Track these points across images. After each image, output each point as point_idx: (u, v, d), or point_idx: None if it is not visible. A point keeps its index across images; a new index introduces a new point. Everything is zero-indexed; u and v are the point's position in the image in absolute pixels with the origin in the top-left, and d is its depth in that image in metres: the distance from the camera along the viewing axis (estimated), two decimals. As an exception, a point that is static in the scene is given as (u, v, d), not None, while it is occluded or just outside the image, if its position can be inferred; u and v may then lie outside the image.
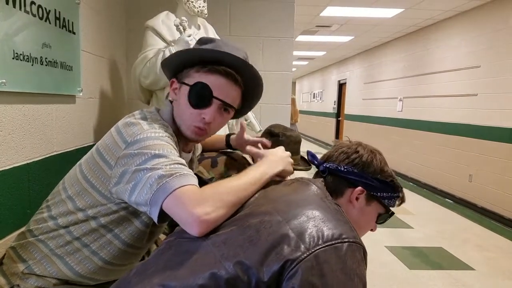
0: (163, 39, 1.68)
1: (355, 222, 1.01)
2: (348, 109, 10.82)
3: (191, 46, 1.67)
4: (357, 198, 1.03)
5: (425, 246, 4.04)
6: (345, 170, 1.01)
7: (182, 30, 1.67)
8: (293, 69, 14.65)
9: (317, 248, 0.77)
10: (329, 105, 12.59)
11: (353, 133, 10.27)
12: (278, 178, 1.08)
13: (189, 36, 1.64)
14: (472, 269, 3.48)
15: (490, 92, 5.07)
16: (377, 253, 3.79)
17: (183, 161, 0.96)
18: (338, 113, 11.75)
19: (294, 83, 19.86)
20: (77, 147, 1.69)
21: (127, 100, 2.27)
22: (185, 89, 1.05)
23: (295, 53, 10.16)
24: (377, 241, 4.10)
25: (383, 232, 4.45)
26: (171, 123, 1.07)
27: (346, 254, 0.79)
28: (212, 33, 1.87)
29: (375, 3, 5.30)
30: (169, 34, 1.69)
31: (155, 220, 0.91)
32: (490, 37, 5.10)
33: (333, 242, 0.79)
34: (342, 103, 11.49)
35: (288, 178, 1.12)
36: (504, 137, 4.79)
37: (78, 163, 1.09)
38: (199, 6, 1.73)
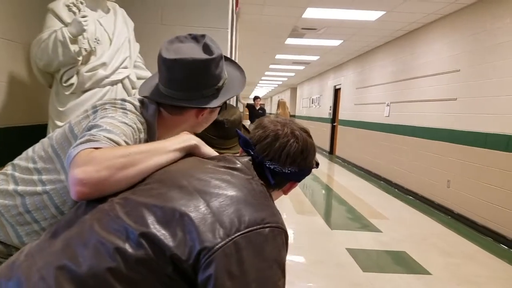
0: (62, 22, 1.69)
1: (275, 199, 1.01)
2: (342, 115, 10.76)
3: (85, 28, 1.67)
4: (289, 188, 1.04)
5: (388, 250, 3.97)
6: (289, 172, 0.97)
7: (77, 11, 1.68)
8: (292, 74, 14.63)
9: (238, 234, 0.74)
10: (326, 111, 12.54)
11: (346, 138, 10.21)
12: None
13: (83, 17, 1.65)
14: (429, 273, 3.40)
15: (468, 96, 4.98)
16: (335, 255, 3.73)
17: (121, 141, 0.91)
18: (334, 119, 11.69)
19: (295, 89, 19.81)
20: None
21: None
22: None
23: (289, 56, 10.16)
24: (338, 243, 4.04)
25: (347, 234, 4.39)
26: (152, 120, 1.07)
27: (267, 240, 0.77)
28: (121, 17, 1.88)
29: (353, 5, 5.27)
30: (69, 16, 1.70)
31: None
32: (469, 41, 5.02)
33: (255, 227, 0.76)
34: (337, 108, 11.42)
35: None
36: (479, 142, 4.70)
37: (48, 138, 1.07)
38: (104, -11, 1.74)
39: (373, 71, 8.46)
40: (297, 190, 6.78)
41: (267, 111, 22.55)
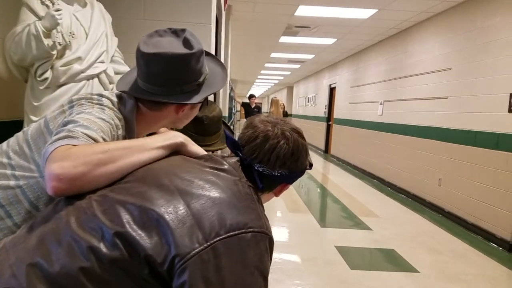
0: (36, 15, 1.67)
1: (265, 201, 0.99)
2: (337, 113, 10.75)
3: (59, 21, 1.65)
4: (280, 190, 1.01)
5: (377, 247, 3.96)
6: (279, 174, 0.93)
7: (51, 5, 1.66)
8: (287, 73, 14.62)
9: (217, 239, 0.71)
10: (321, 109, 12.53)
11: (341, 137, 10.20)
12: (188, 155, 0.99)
13: (57, 10, 1.63)
14: (417, 271, 3.39)
15: (460, 94, 4.98)
16: (324, 252, 3.72)
17: (99, 138, 0.89)
18: (329, 117, 11.68)
19: (291, 88, 19.80)
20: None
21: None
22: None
23: (284, 55, 10.14)
24: (327, 241, 4.04)
25: (337, 232, 4.38)
26: (130, 117, 1.05)
27: (249, 245, 0.74)
28: (98, 12, 1.86)
29: (346, 3, 5.26)
30: (44, 10, 1.68)
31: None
32: (460, 39, 5.02)
33: (236, 232, 0.73)
34: (332, 107, 11.42)
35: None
36: (470, 141, 4.69)
37: (23, 132, 1.05)
38: (79, -17, 1.73)
39: (367, 70, 8.46)
40: (290, 188, 6.74)
41: (264, 109, 22.52)
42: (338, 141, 10.55)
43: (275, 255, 3.64)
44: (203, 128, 1.95)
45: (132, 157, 0.85)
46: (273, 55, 10.17)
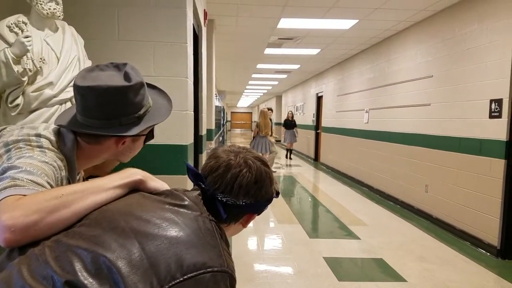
0: (7, 42, 1.66)
1: (233, 233, 0.98)
2: (324, 122, 10.82)
3: (28, 48, 1.65)
4: (247, 220, 0.99)
5: (365, 257, 3.95)
6: (244, 204, 0.91)
7: (20, 31, 1.66)
8: (275, 83, 14.70)
9: (173, 283, 0.69)
10: (310, 118, 12.60)
11: (329, 145, 10.25)
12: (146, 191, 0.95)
13: (26, 37, 1.62)
14: (405, 280, 3.39)
15: (441, 101, 5.05)
16: (312, 264, 3.70)
17: (44, 183, 0.87)
18: (317, 126, 11.74)
19: (280, 97, 19.90)
20: None
21: None
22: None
23: (270, 66, 10.21)
24: (316, 252, 4.02)
25: (325, 243, 4.37)
26: (71, 155, 1.03)
27: (207, 287, 0.72)
28: (70, 35, 1.85)
29: (327, 15, 5.33)
30: (14, 36, 1.67)
31: None
32: (440, 47, 5.10)
33: (194, 273, 0.71)
34: (320, 115, 11.49)
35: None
36: (454, 147, 4.74)
37: None
38: (49, 8, 1.71)
39: (352, 79, 8.54)
40: (280, 199, 6.77)
41: (254, 118, 22.43)
42: (327, 149, 10.60)
43: (263, 268, 3.62)
44: None
45: (87, 200, 0.83)
46: (260, 66, 10.24)
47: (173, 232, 0.76)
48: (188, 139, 2.65)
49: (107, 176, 0.92)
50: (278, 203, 6.37)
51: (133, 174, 0.92)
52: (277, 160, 12.63)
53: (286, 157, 12.61)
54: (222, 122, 15.24)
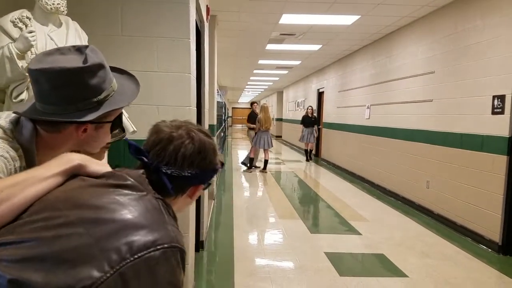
0: (11, 37, 1.66)
1: (182, 207, 0.96)
2: (325, 117, 10.81)
3: (32, 43, 1.65)
4: (194, 192, 0.97)
5: (366, 253, 3.97)
6: (189, 174, 0.90)
7: (24, 27, 1.66)
8: (276, 78, 14.68)
9: (123, 264, 0.69)
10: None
11: (330, 141, 10.25)
12: (86, 177, 0.91)
13: (30, 32, 1.63)
14: (406, 276, 3.41)
15: (443, 97, 5.04)
16: (313, 259, 3.72)
17: None
18: (318, 121, 11.73)
19: (281, 93, 19.88)
20: None
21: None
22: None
23: (272, 61, 10.19)
24: (317, 247, 4.04)
25: (327, 238, 4.39)
26: (28, 144, 0.97)
27: (158, 263, 0.72)
28: (73, 31, 1.85)
29: (329, 10, 5.31)
30: (18, 32, 1.67)
31: None
32: (442, 43, 5.08)
33: (144, 252, 0.71)
34: (321, 111, 11.48)
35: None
36: (456, 143, 4.74)
37: None
38: (53, 3, 1.71)
39: (353, 74, 8.53)
40: (281, 194, 6.79)
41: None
42: (328, 145, 10.60)
43: (264, 263, 3.64)
44: None
45: (25, 192, 0.79)
46: (261, 61, 10.22)
47: (119, 214, 0.75)
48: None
49: (43, 164, 0.87)
50: (279, 198, 6.39)
51: (71, 160, 0.87)
52: (278, 155, 12.63)
53: (307, 161, 11.10)
54: (223, 118, 15.24)
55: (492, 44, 4.16)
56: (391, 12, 5.38)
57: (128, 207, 0.77)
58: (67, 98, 0.94)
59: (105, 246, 0.70)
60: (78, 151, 0.96)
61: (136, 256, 0.70)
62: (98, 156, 1.31)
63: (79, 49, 0.98)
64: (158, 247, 0.73)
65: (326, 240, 4.31)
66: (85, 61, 0.94)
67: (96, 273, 0.67)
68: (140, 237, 0.72)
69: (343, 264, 3.65)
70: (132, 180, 0.84)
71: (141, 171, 0.89)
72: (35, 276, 0.68)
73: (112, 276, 0.68)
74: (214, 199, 5.90)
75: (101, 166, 0.91)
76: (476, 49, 4.41)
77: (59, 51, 0.98)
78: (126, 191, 0.81)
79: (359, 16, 5.60)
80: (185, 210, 1.00)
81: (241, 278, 3.30)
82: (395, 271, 3.51)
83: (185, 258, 0.78)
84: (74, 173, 0.88)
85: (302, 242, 4.21)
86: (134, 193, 0.81)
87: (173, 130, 0.90)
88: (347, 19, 5.80)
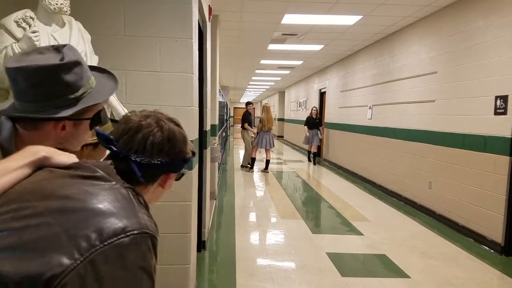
0: (14, 37, 1.67)
1: (154, 198, 0.96)
2: (327, 118, 10.80)
3: (36, 43, 1.65)
4: (165, 181, 0.96)
5: (368, 253, 3.97)
6: (159, 162, 0.90)
7: (27, 27, 1.66)
8: (278, 78, 14.67)
9: (93, 251, 0.69)
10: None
11: (332, 141, 10.24)
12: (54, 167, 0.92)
13: (33, 32, 1.63)
14: (408, 276, 3.40)
15: (446, 98, 5.03)
16: (315, 260, 3.72)
17: None
18: (320, 121, 11.71)
19: (283, 93, 19.87)
20: None
21: None
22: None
23: (274, 61, 10.19)
24: (319, 248, 4.04)
25: (329, 238, 4.39)
26: (8, 144, 0.98)
27: (128, 249, 0.72)
28: (76, 31, 1.85)
29: (331, 10, 5.31)
30: (22, 31, 1.68)
31: None
32: (444, 43, 5.08)
33: (114, 239, 0.71)
34: (323, 111, 11.47)
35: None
36: (458, 143, 4.73)
37: None
38: (56, 3, 1.71)
39: (355, 75, 8.52)
40: (283, 194, 6.79)
41: (257, 114, 22.57)
42: (330, 145, 10.59)
43: (266, 263, 3.64)
44: None
45: None
46: (263, 61, 10.22)
47: (88, 204, 0.75)
48: (193, 135, 2.66)
49: (9, 157, 0.87)
50: (280, 198, 6.39)
51: (37, 151, 0.88)
52: (280, 156, 12.63)
53: (311, 162, 10.86)
54: (225, 118, 15.24)
55: (494, 44, 4.15)
56: (393, 12, 5.37)
57: (97, 197, 0.77)
58: (44, 95, 0.95)
59: (74, 234, 0.70)
60: (61, 150, 0.95)
61: (106, 243, 0.70)
62: (100, 155, 1.32)
63: (57, 48, 0.99)
64: (128, 233, 0.73)
65: (328, 241, 4.30)
66: (62, 59, 0.95)
67: (66, 261, 0.67)
68: (109, 225, 0.72)
69: (345, 264, 3.65)
70: (100, 171, 0.84)
71: (109, 161, 0.89)
72: (6, 265, 0.68)
73: (82, 263, 0.68)
74: (215, 199, 5.90)
75: (68, 157, 0.90)
76: (478, 49, 4.40)
77: (38, 50, 0.99)
78: (96, 182, 0.81)
79: (361, 16, 5.59)
80: (158, 200, 1.00)
81: (243, 278, 3.30)
82: (397, 272, 3.50)
83: (156, 244, 0.78)
84: (41, 165, 0.88)
85: (304, 242, 4.21)
86: (103, 183, 0.81)
87: (142, 119, 0.90)
88: (349, 19, 5.79)
